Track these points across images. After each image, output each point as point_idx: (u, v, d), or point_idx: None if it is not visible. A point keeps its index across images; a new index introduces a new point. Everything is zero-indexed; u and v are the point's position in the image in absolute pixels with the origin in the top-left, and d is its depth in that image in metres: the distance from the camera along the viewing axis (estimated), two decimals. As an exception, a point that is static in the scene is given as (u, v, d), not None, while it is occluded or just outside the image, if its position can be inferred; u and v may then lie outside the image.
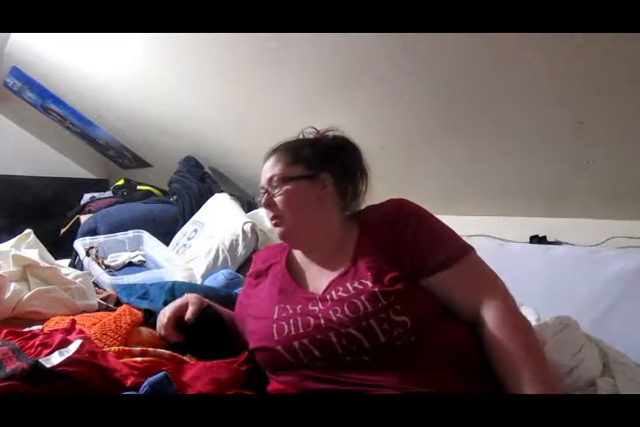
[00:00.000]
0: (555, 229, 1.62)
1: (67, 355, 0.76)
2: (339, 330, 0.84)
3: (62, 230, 2.82)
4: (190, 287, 1.36)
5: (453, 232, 0.95)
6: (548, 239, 1.62)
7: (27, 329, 1.05)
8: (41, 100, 3.24)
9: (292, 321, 0.89)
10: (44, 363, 0.73)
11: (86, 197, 3.14)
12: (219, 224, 2.09)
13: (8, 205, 3.28)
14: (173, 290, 1.32)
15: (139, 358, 0.92)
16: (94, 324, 1.09)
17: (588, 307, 1.37)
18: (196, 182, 2.66)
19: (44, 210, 3.19)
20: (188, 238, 2.19)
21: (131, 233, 2.13)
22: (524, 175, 1.59)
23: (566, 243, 1.58)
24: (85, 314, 1.24)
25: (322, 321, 0.86)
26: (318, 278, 0.97)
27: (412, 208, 0.98)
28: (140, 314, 1.15)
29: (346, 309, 0.85)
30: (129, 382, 0.79)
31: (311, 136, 1.07)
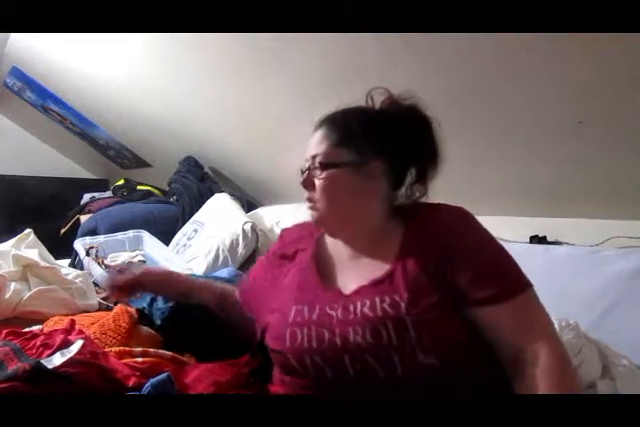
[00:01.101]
0: (555, 229, 1.62)
1: (68, 356, 0.76)
2: (354, 353, 0.75)
3: (62, 230, 2.82)
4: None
5: (514, 263, 0.82)
6: (548, 239, 1.62)
7: (27, 329, 1.05)
8: (41, 100, 3.23)
9: (306, 331, 0.80)
10: (45, 364, 0.73)
11: (86, 197, 3.14)
12: (219, 224, 2.09)
13: (8, 205, 3.28)
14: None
15: (139, 359, 0.91)
16: (93, 323, 1.09)
17: (587, 307, 1.37)
18: (196, 182, 2.66)
19: (44, 210, 3.19)
20: (188, 238, 2.19)
21: (131, 233, 2.13)
22: (523, 175, 1.59)
23: (566, 243, 1.58)
24: (84, 314, 1.24)
25: (337, 340, 0.76)
26: (347, 275, 0.86)
27: (475, 225, 0.84)
28: (135, 313, 1.15)
29: (367, 333, 0.74)
30: (131, 383, 0.79)
31: (377, 102, 0.90)
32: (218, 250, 1.92)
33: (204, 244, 2.03)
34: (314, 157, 0.86)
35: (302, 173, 0.89)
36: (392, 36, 1.32)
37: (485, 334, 0.77)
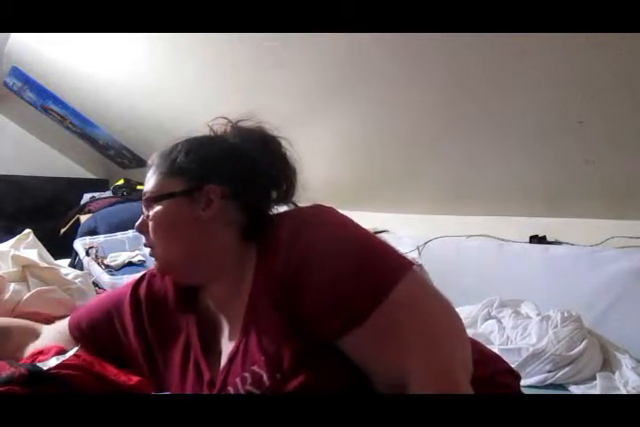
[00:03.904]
0: (555, 229, 1.62)
1: (62, 359, 0.76)
2: None
3: (62, 230, 2.82)
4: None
5: (367, 269, 0.62)
6: (548, 239, 1.62)
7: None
8: (41, 100, 3.23)
9: None
10: (41, 366, 0.73)
11: (86, 197, 3.14)
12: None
13: (8, 205, 3.28)
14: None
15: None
16: None
17: (587, 307, 1.37)
18: (196, 182, 2.66)
19: (44, 210, 3.19)
20: (188, 238, 2.19)
21: (130, 233, 2.13)
22: (524, 175, 1.59)
23: (566, 243, 1.58)
24: None
25: None
26: (218, 350, 0.71)
27: (315, 236, 0.65)
28: None
29: None
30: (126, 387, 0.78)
31: (220, 130, 0.82)
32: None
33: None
34: (145, 195, 0.75)
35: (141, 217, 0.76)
36: (392, 36, 1.32)
37: (362, 369, 0.61)
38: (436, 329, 0.60)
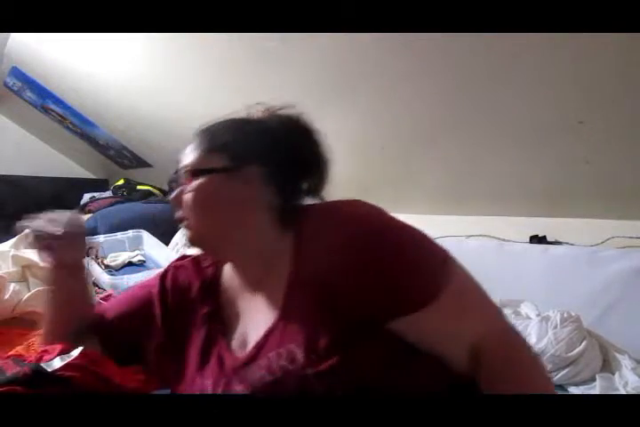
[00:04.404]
0: (555, 229, 1.62)
1: (67, 360, 0.76)
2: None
3: (62, 230, 2.82)
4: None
5: (427, 249, 0.68)
6: (548, 239, 1.62)
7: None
8: (41, 100, 3.23)
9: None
10: (45, 367, 0.73)
11: (86, 197, 3.14)
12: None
13: (8, 205, 3.28)
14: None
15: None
16: None
17: (587, 307, 1.37)
18: (196, 182, 2.66)
19: (44, 210, 3.18)
20: (188, 238, 2.19)
21: (130, 233, 2.13)
22: (523, 175, 1.59)
23: (566, 243, 1.58)
24: None
25: None
26: (246, 325, 0.73)
27: (369, 226, 0.68)
28: None
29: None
30: (130, 389, 0.78)
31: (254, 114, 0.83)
32: (218, 250, 1.92)
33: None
34: (182, 169, 0.77)
35: (174, 190, 0.78)
36: (392, 36, 1.32)
37: (422, 343, 0.65)
38: (486, 298, 0.69)
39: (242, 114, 0.83)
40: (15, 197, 3.37)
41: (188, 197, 0.74)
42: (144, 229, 2.18)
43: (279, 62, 1.74)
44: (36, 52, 2.66)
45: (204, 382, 0.71)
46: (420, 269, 0.65)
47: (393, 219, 0.69)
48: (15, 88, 3.23)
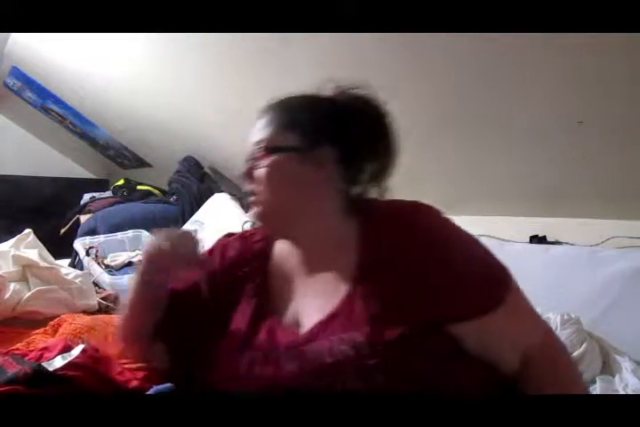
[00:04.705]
0: (555, 229, 1.62)
1: (69, 359, 0.76)
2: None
3: (62, 230, 2.82)
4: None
5: (494, 259, 0.71)
6: (548, 239, 1.62)
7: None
8: (41, 100, 3.23)
9: (253, 383, 0.69)
10: (46, 366, 0.73)
11: (86, 197, 3.14)
12: (219, 224, 2.09)
13: (8, 205, 3.28)
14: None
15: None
16: (109, 332, 1.07)
17: (587, 307, 1.37)
18: (196, 182, 2.66)
19: (44, 210, 3.19)
20: (188, 238, 2.19)
21: (130, 233, 2.13)
22: (523, 175, 1.59)
23: (566, 243, 1.58)
24: (98, 317, 1.22)
25: (291, 394, 0.65)
26: (302, 303, 0.74)
27: (442, 225, 0.72)
28: None
29: (326, 386, 0.64)
30: (131, 386, 0.78)
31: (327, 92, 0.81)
32: (218, 250, 1.92)
33: (204, 243, 2.03)
34: (256, 144, 0.76)
35: (245, 163, 0.77)
36: (392, 36, 1.32)
37: (476, 347, 0.68)
38: (534, 308, 0.73)
39: (313, 91, 0.81)
40: (15, 197, 3.37)
41: (260, 173, 0.74)
42: (144, 229, 2.18)
43: (279, 62, 1.74)
44: (36, 52, 2.66)
45: (254, 354, 0.71)
46: (487, 277, 0.68)
47: (458, 226, 0.73)
48: (15, 88, 3.23)
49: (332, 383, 0.64)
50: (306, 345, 0.68)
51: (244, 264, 0.82)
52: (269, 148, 0.74)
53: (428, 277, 0.67)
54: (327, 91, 0.81)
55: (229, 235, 0.91)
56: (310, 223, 0.75)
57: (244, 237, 0.87)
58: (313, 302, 0.72)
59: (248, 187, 0.77)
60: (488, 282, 0.68)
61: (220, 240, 0.91)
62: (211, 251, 0.88)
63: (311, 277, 0.75)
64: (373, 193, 0.79)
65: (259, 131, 0.77)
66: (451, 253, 0.69)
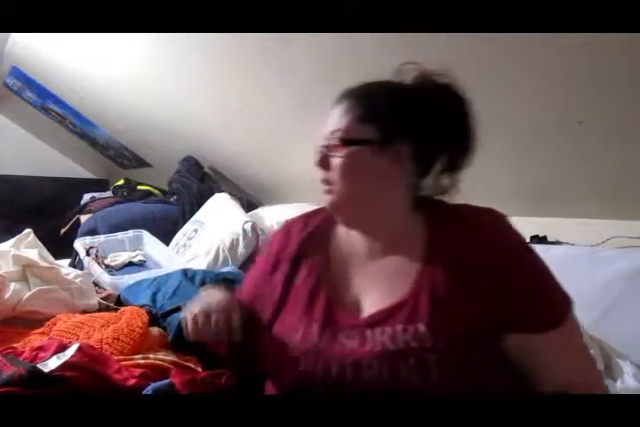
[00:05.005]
0: (555, 229, 1.62)
1: (64, 359, 0.76)
2: (365, 389, 0.66)
3: (62, 230, 2.82)
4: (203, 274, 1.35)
5: (557, 280, 0.73)
6: (548, 239, 1.62)
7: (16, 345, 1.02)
8: (41, 100, 3.23)
9: (312, 357, 0.70)
10: (41, 368, 0.73)
11: (86, 197, 3.14)
12: (219, 224, 2.09)
13: (8, 205, 3.28)
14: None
15: (141, 361, 0.90)
16: (103, 326, 1.07)
17: (587, 307, 1.37)
18: (196, 182, 2.66)
19: (44, 210, 3.19)
20: (189, 238, 2.19)
21: (131, 233, 2.13)
22: (523, 175, 1.59)
23: (566, 243, 1.58)
24: (94, 314, 1.22)
25: (348, 373, 0.67)
26: (365, 289, 0.75)
27: (514, 235, 0.74)
28: (145, 314, 1.12)
29: (385, 371, 0.65)
30: (129, 384, 0.78)
31: (408, 78, 0.78)
32: (218, 250, 1.92)
33: (204, 243, 2.03)
34: (333, 133, 0.75)
35: (319, 150, 0.77)
36: (392, 35, 1.32)
37: (520, 361, 0.69)
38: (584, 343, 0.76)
39: (394, 77, 0.80)
40: (15, 197, 3.37)
41: (335, 163, 0.74)
42: (144, 229, 2.18)
43: (279, 62, 1.74)
44: (36, 52, 2.66)
45: (309, 331, 0.72)
46: (553, 296, 0.70)
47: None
48: (15, 88, 3.23)
49: (393, 370, 0.65)
50: (366, 329, 0.69)
51: (305, 242, 0.83)
52: (346, 139, 0.73)
53: (499, 284, 0.67)
54: (407, 75, 0.78)
55: (293, 219, 0.91)
56: (381, 215, 0.76)
57: (307, 216, 0.88)
58: (376, 289, 0.73)
59: (321, 175, 0.77)
60: (554, 301, 0.70)
61: (285, 222, 0.92)
62: (276, 233, 0.91)
63: (375, 263, 0.76)
64: (443, 185, 0.80)
65: (335, 119, 0.76)
66: (525, 265, 0.71)
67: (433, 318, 0.66)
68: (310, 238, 0.84)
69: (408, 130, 0.74)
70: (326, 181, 0.76)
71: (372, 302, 0.73)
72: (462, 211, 0.79)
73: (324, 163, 0.76)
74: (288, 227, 0.89)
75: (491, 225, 0.74)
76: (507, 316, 0.67)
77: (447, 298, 0.67)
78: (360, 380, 0.66)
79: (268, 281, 0.83)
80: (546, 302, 0.69)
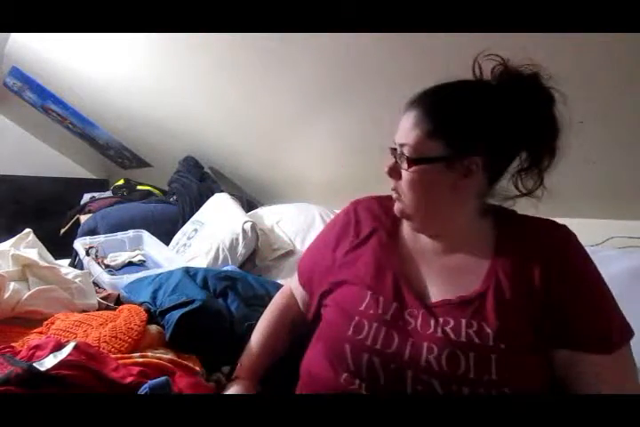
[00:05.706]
0: (554, 229, 1.62)
1: (60, 358, 0.75)
2: (420, 373, 0.66)
3: (62, 230, 2.82)
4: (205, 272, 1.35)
5: (617, 305, 0.73)
6: (548, 239, 1.62)
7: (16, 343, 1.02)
8: (41, 100, 3.24)
9: (375, 326, 0.71)
10: (37, 367, 0.72)
11: (86, 197, 3.14)
12: (219, 224, 2.09)
13: (8, 205, 3.28)
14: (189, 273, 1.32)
15: (139, 360, 0.90)
16: (101, 324, 1.07)
17: (587, 307, 1.37)
18: (196, 182, 2.66)
19: (44, 210, 3.19)
20: (189, 238, 2.19)
21: (131, 233, 2.13)
22: (523, 175, 1.59)
23: (566, 243, 1.58)
24: (91, 313, 1.22)
25: (407, 350, 0.68)
26: (431, 277, 0.77)
27: (582, 252, 0.74)
28: (144, 312, 1.12)
29: (444, 356, 0.66)
30: (127, 383, 0.78)
31: (486, 72, 0.76)
32: (218, 249, 1.92)
33: (204, 243, 2.03)
34: (402, 146, 0.74)
35: (389, 159, 0.77)
36: (392, 36, 1.32)
37: (567, 378, 0.69)
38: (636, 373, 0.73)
39: (472, 71, 0.77)
40: (15, 197, 3.37)
41: (406, 176, 0.74)
42: (144, 229, 2.18)
43: (279, 62, 1.74)
44: (36, 52, 2.66)
45: (376, 302, 0.74)
46: (615, 319, 0.70)
47: None
48: (15, 88, 3.23)
49: (453, 359, 0.66)
50: (431, 313, 0.71)
51: (377, 221, 0.85)
52: (415, 157, 0.72)
53: (565, 298, 0.68)
54: (485, 70, 0.75)
55: (363, 199, 0.93)
56: (450, 223, 0.78)
57: (381, 198, 0.90)
58: (442, 281, 0.75)
59: (392, 184, 0.78)
60: (615, 324, 0.70)
61: (354, 202, 0.93)
62: (345, 210, 0.92)
63: (442, 258, 0.78)
64: (524, 184, 0.82)
65: (405, 130, 0.74)
66: (593, 284, 0.71)
67: (497, 320, 0.67)
68: (381, 220, 0.85)
69: (481, 141, 0.71)
70: (395, 191, 0.78)
71: (438, 291, 0.74)
72: (535, 221, 0.83)
73: (393, 173, 0.77)
74: (357, 205, 0.91)
75: (563, 240, 0.75)
76: (569, 332, 0.68)
77: (512, 304, 0.68)
78: (418, 360, 0.67)
79: (330, 254, 0.86)
80: (606, 325, 0.69)
